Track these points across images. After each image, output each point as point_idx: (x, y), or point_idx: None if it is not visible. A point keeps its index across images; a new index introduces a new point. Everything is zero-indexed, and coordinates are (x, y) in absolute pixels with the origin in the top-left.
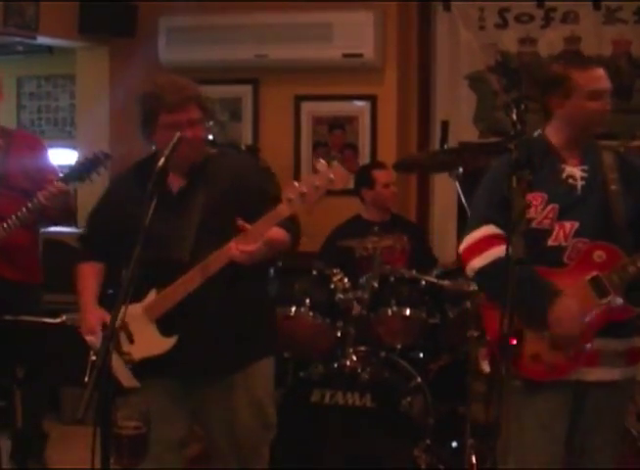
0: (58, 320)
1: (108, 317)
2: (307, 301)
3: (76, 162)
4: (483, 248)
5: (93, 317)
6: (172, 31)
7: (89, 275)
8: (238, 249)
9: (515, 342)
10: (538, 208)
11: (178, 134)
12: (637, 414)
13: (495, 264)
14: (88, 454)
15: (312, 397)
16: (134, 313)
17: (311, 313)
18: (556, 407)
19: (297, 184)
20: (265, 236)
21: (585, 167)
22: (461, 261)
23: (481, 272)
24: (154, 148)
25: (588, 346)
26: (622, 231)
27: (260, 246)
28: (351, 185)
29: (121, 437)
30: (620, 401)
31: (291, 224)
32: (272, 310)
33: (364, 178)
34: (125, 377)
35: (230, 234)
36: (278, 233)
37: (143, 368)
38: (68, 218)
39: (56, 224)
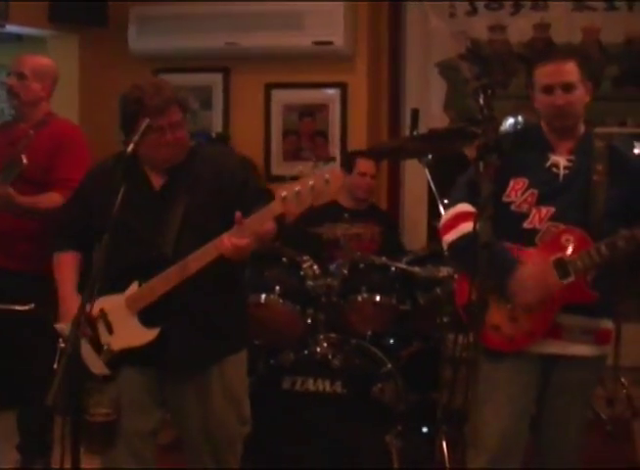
0: (26, 307)
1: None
2: (277, 288)
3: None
4: (455, 224)
5: (73, 307)
6: (143, 20)
7: (68, 264)
8: (230, 242)
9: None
10: (519, 192)
11: (147, 120)
12: (607, 399)
13: (463, 239)
14: (58, 442)
15: (283, 384)
16: (115, 304)
17: (281, 301)
18: (517, 377)
19: (292, 183)
20: (258, 231)
21: (572, 157)
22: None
23: (451, 246)
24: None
25: (549, 322)
26: (599, 221)
27: (251, 241)
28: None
29: (92, 424)
30: (586, 378)
31: (281, 217)
32: (245, 303)
33: (346, 163)
34: (95, 364)
35: (213, 230)
36: (269, 226)
37: (120, 357)
38: (29, 216)
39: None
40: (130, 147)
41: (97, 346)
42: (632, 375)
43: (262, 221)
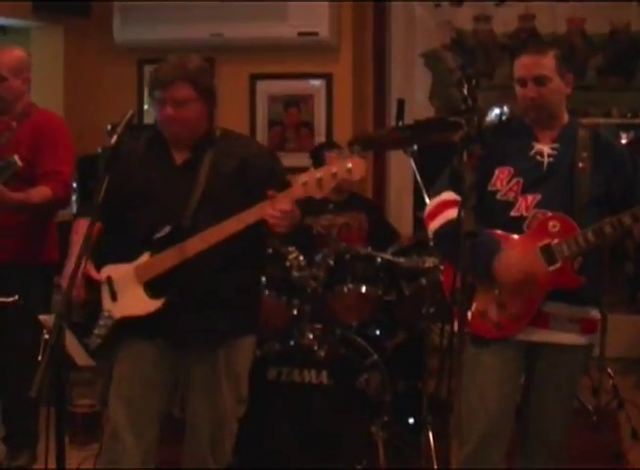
0: (10, 299)
1: (93, 270)
2: (263, 279)
3: None
4: (439, 211)
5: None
6: (127, 11)
7: (82, 229)
8: (275, 208)
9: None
10: (504, 181)
11: (131, 112)
12: (593, 389)
13: (448, 225)
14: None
15: (269, 374)
16: (123, 273)
17: (267, 291)
18: (502, 363)
19: (313, 171)
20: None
21: (556, 145)
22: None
23: (436, 233)
24: None
25: (535, 307)
26: (584, 207)
27: (293, 209)
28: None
29: (76, 415)
30: (572, 367)
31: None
32: (260, 291)
33: (317, 158)
34: (79, 355)
35: (232, 209)
36: (297, 210)
37: (129, 328)
38: (20, 211)
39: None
40: (113, 139)
41: (95, 311)
42: (618, 365)
43: (287, 202)
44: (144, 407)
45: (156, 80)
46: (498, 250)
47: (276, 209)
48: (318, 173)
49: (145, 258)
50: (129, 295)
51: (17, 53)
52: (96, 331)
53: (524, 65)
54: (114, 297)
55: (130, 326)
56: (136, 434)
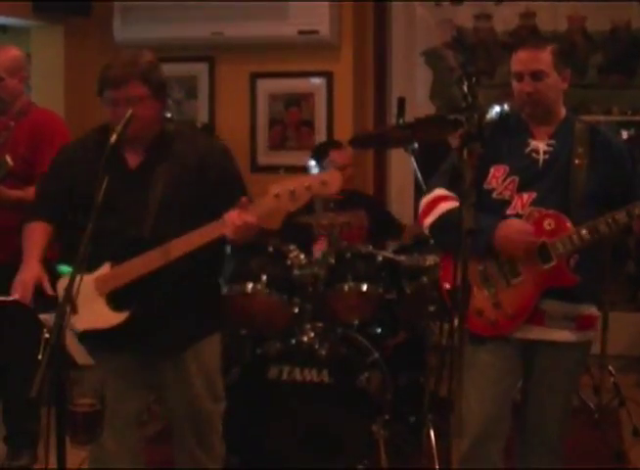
0: (11, 298)
1: (44, 278)
2: (264, 277)
3: None
4: (432, 207)
5: (29, 273)
6: (127, 10)
7: (38, 232)
8: (241, 218)
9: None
10: (499, 179)
11: (130, 111)
12: (594, 387)
13: (442, 218)
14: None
15: (269, 373)
16: (83, 284)
17: (268, 290)
18: (499, 361)
19: (286, 182)
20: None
21: (552, 142)
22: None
23: (431, 227)
24: None
25: (531, 305)
26: (580, 204)
27: (258, 223)
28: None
29: (76, 414)
30: (569, 364)
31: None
32: (219, 287)
33: (321, 157)
34: (79, 354)
35: (192, 212)
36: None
37: (96, 343)
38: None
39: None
40: (113, 138)
41: None
42: (619, 363)
43: (255, 214)
44: (122, 413)
45: (106, 80)
46: (496, 224)
47: (241, 218)
48: (291, 186)
49: (105, 268)
50: (90, 307)
51: (12, 52)
52: None
53: (521, 59)
54: (74, 309)
55: (95, 337)
56: (117, 438)
